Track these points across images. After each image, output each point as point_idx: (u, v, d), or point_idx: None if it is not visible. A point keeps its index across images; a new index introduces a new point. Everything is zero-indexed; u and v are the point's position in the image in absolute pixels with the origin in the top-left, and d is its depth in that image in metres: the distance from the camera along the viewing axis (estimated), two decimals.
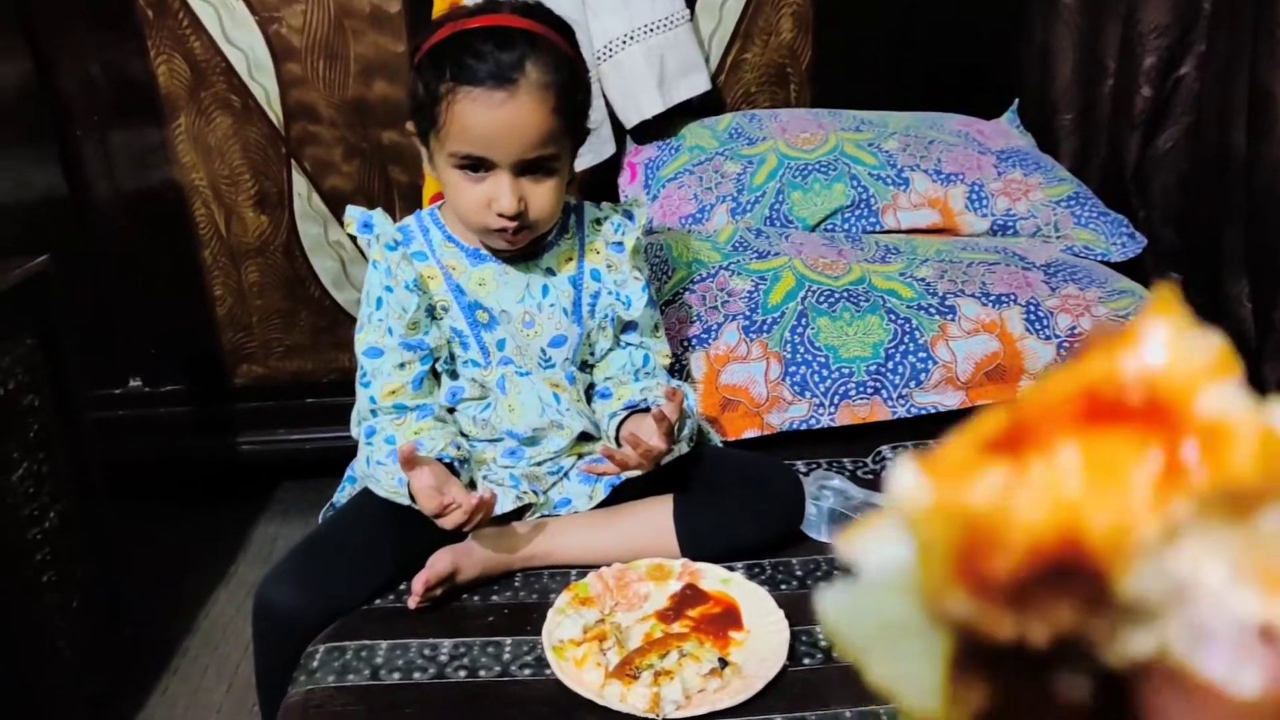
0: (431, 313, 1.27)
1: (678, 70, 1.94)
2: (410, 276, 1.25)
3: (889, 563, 0.23)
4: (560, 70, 1.17)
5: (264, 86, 1.94)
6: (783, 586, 1.20)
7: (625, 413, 1.28)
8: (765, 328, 1.54)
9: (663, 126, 1.98)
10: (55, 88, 1.93)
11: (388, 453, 1.22)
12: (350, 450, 1.37)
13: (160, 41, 1.91)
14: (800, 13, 2.04)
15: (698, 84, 1.98)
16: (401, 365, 1.26)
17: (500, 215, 1.18)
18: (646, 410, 1.25)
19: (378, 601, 1.21)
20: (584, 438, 1.32)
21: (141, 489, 2.02)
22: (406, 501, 1.18)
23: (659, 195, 1.87)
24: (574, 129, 1.22)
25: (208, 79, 1.93)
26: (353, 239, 2.01)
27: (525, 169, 1.18)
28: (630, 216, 1.34)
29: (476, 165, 1.17)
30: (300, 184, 2.02)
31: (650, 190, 1.90)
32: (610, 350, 1.36)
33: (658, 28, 1.91)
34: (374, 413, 1.27)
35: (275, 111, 1.96)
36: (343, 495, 1.36)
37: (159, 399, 2.15)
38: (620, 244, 1.32)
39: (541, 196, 1.20)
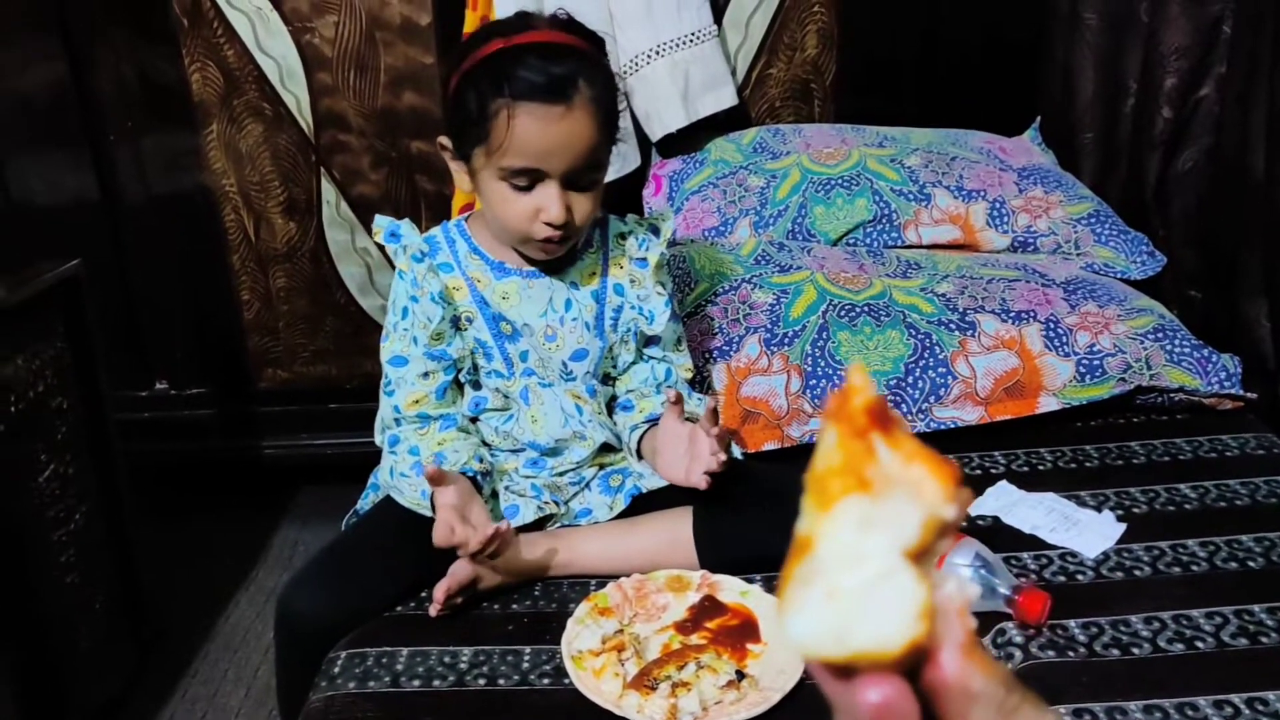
0: (456, 324, 1.29)
1: (703, 85, 1.95)
2: (436, 288, 1.26)
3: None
4: (606, 84, 1.20)
5: (295, 95, 1.97)
6: None
7: (646, 425, 1.29)
8: (786, 341, 1.54)
9: (688, 140, 1.99)
10: (90, 92, 1.96)
11: (412, 464, 1.24)
12: (373, 456, 1.39)
13: (194, 49, 1.94)
14: (825, 29, 2.05)
15: (723, 99, 1.99)
16: (425, 375, 1.27)
17: (548, 225, 1.19)
18: None
19: (399, 608, 1.22)
20: (605, 448, 1.33)
21: (165, 491, 2.04)
22: (429, 513, 1.19)
23: (682, 208, 1.88)
24: (612, 141, 1.24)
25: (240, 87, 1.96)
26: (380, 247, 2.04)
27: (571, 180, 1.19)
28: (655, 231, 1.35)
29: (527, 177, 1.18)
30: (329, 191, 2.04)
31: (674, 202, 1.91)
32: (633, 363, 1.37)
33: (684, 43, 1.92)
34: (398, 421, 1.28)
35: (306, 120, 1.99)
36: (366, 502, 1.37)
37: (184, 401, 2.17)
38: (644, 260, 1.33)
39: (584, 206, 1.21)
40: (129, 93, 1.97)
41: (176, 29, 1.92)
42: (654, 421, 1.29)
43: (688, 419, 1.24)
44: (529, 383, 1.31)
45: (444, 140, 1.26)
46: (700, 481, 1.18)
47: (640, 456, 1.31)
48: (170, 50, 1.94)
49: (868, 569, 0.32)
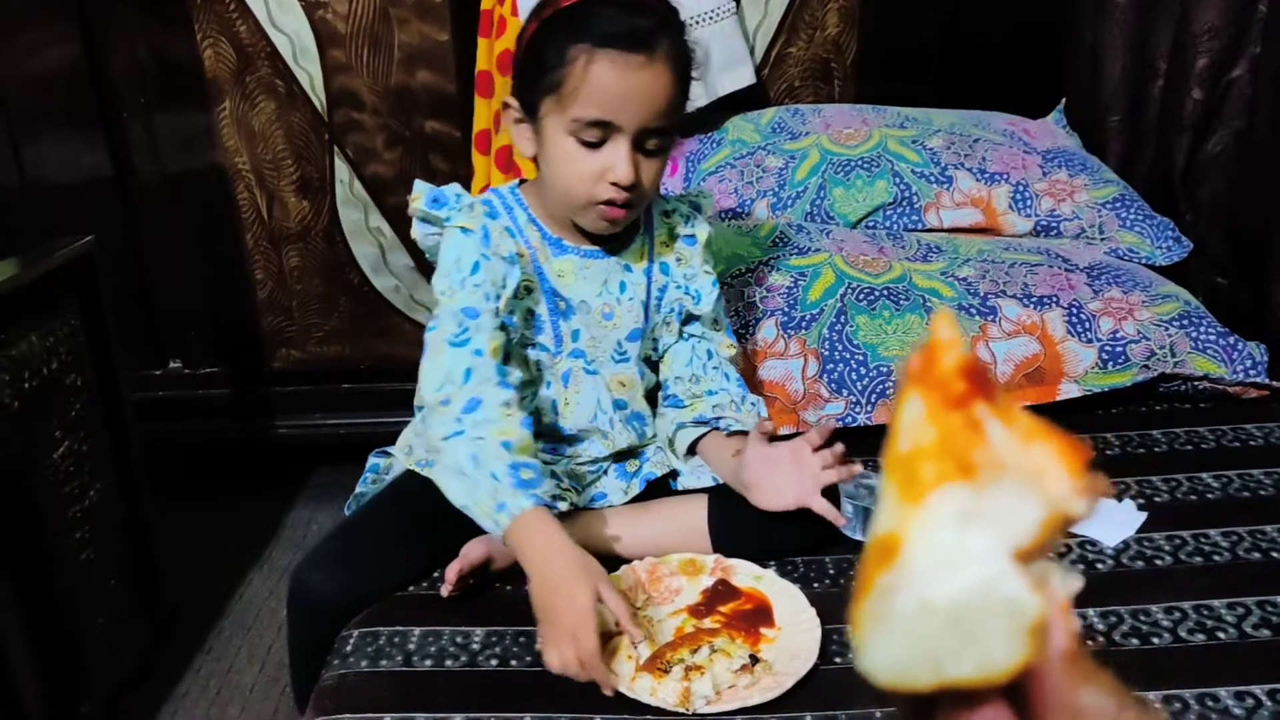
0: (516, 293, 1.22)
1: (721, 63, 1.93)
2: (510, 249, 1.20)
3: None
4: (685, 45, 1.17)
5: (308, 72, 1.95)
6: (815, 584, 1.19)
7: (694, 425, 1.27)
8: (804, 324, 1.53)
9: (705, 119, 1.97)
10: (104, 70, 1.96)
11: (508, 464, 1.06)
12: (386, 436, 1.37)
13: (207, 25, 1.93)
14: (846, 7, 2.03)
15: (742, 77, 1.97)
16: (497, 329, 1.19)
17: (614, 185, 1.14)
18: (718, 428, 1.26)
19: (411, 588, 1.21)
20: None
21: (179, 470, 2.05)
22: (498, 532, 1.06)
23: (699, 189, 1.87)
24: (683, 109, 1.21)
25: (253, 63, 1.95)
26: (394, 226, 2.03)
27: (640, 142, 1.15)
28: (697, 208, 1.32)
29: (598, 131, 1.13)
30: (342, 170, 2.03)
31: (690, 183, 1.89)
32: (672, 344, 1.34)
33: (702, 20, 1.90)
34: (469, 373, 1.12)
35: (319, 97, 1.97)
36: (366, 484, 1.35)
37: (198, 381, 2.17)
38: (692, 237, 1.30)
39: (650, 172, 1.17)
40: (143, 70, 1.97)
41: (189, 5, 1.91)
42: (703, 423, 1.27)
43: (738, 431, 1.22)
44: (574, 365, 1.27)
45: (509, 99, 1.21)
46: (819, 504, 1.16)
47: (680, 454, 1.29)
48: (183, 27, 1.93)
49: (969, 575, 0.25)
